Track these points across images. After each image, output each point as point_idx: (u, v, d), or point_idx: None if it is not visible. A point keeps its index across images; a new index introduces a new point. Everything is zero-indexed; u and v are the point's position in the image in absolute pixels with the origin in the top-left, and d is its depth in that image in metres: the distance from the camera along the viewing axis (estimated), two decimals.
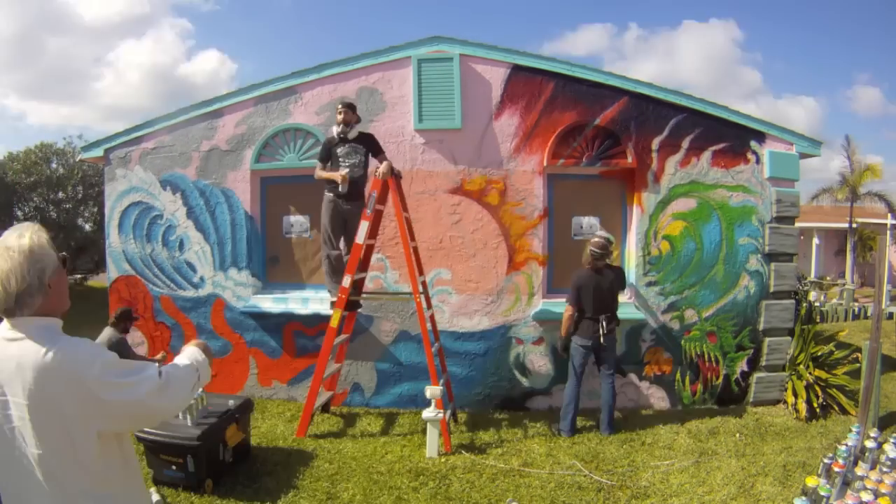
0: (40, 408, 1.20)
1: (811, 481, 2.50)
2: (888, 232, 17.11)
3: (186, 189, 5.44)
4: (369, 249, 4.65)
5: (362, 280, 4.76)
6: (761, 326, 5.14)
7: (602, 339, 4.39)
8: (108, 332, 4.41)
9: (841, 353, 5.30)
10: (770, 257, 5.15)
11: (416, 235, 4.79)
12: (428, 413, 4.02)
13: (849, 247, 19.74)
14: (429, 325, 4.44)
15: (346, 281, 4.29)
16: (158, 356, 4.94)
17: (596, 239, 4.48)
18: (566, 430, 4.41)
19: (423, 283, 4.63)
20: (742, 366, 5.18)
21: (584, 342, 4.46)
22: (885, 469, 2.86)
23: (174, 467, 3.39)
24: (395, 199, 4.35)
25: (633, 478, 3.67)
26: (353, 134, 4.43)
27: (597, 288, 4.41)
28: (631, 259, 5.19)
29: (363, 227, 4.28)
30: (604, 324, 4.38)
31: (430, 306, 4.64)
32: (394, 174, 4.38)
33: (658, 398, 5.17)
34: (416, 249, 4.59)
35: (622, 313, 5.01)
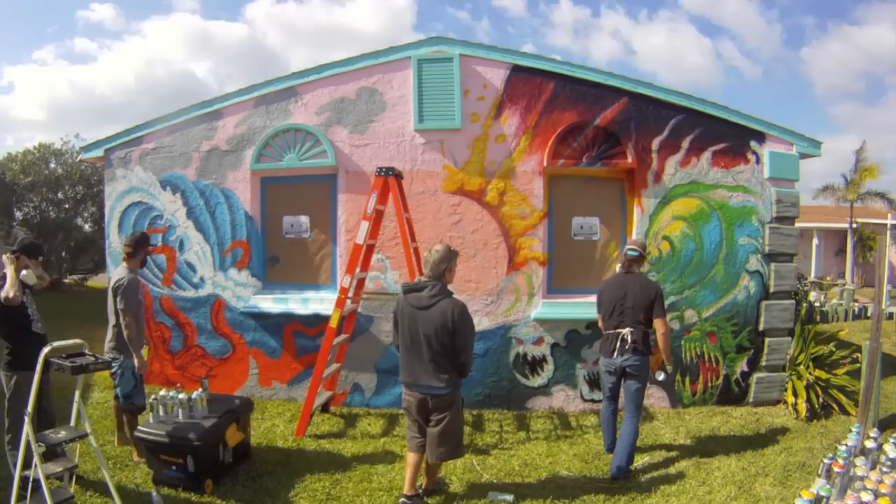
0: None
1: (806, 494, 2.51)
2: (888, 232, 17.13)
3: (186, 189, 5.44)
4: (370, 249, 4.66)
5: (362, 280, 4.77)
6: (761, 327, 5.14)
7: (619, 359, 3.67)
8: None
9: (841, 354, 5.30)
10: (770, 257, 5.15)
11: (416, 235, 4.79)
12: None
13: (849, 247, 19.75)
14: None
15: (346, 281, 4.30)
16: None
17: (634, 238, 4.22)
18: (606, 448, 4.02)
19: None
20: (742, 366, 5.18)
21: (606, 364, 3.81)
22: (885, 469, 2.86)
23: (174, 467, 3.39)
24: (396, 199, 4.35)
25: (633, 478, 3.67)
26: None
27: (620, 293, 3.76)
28: None
29: (363, 227, 4.28)
30: (628, 338, 3.66)
31: None
32: (394, 174, 4.38)
33: (658, 398, 5.16)
34: (416, 250, 4.60)
35: None
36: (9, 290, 3.17)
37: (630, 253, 3.86)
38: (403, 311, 3.10)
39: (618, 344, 3.70)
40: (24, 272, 3.32)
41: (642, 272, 4.07)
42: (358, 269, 4.44)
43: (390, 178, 4.36)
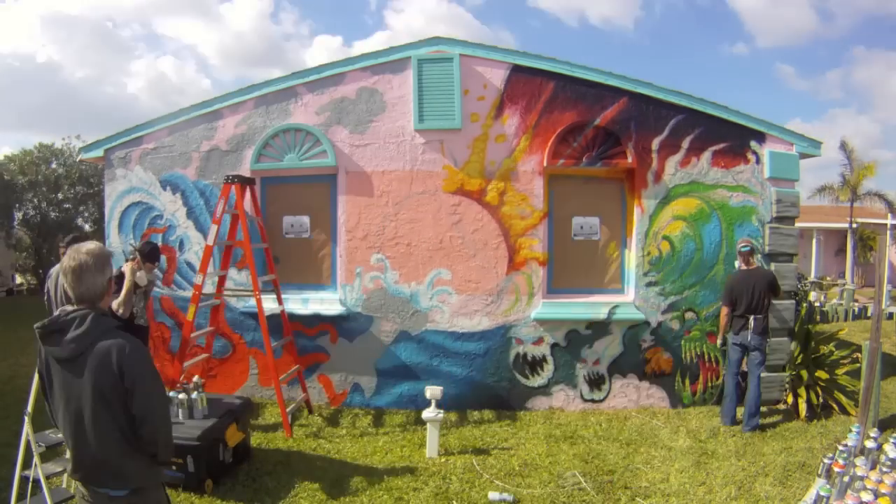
0: None
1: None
2: (888, 232, 17.11)
3: (186, 189, 5.44)
4: (228, 250, 4.94)
5: (223, 278, 4.95)
6: None
7: (749, 338, 4.57)
8: None
9: (841, 354, 5.30)
10: (770, 257, 5.15)
11: (416, 235, 4.80)
12: (428, 413, 4.02)
13: (849, 247, 19.74)
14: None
15: (198, 279, 4.49)
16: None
17: (743, 238, 4.94)
18: (726, 421, 4.68)
19: (275, 282, 4.93)
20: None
21: (736, 339, 4.68)
22: (885, 469, 2.86)
23: (174, 467, 3.39)
24: (240, 203, 4.65)
25: (633, 478, 3.68)
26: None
27: (748, 287, 4.60)
28: (631, 259, 5.19)
29: (212, 229, 4.54)
30: (752, 323, 4.55)
31: (280, 303, 4.95)
32: (239, 181, 4.65)
33: (658, 398, 5.16)
34: (267, 250, 4.96)
35: (623, 313, 5.03)
36: (119, 307, 3.75)
37: (743, 249, 4.70)
38: (50, 370, 1.80)
39: (751, 326, 4.56)
40: (138, 273, 3.96)
41: (761, 265, 4.90)
42: (216, 268, 4.91)
43: (235, 185, 4.61)
